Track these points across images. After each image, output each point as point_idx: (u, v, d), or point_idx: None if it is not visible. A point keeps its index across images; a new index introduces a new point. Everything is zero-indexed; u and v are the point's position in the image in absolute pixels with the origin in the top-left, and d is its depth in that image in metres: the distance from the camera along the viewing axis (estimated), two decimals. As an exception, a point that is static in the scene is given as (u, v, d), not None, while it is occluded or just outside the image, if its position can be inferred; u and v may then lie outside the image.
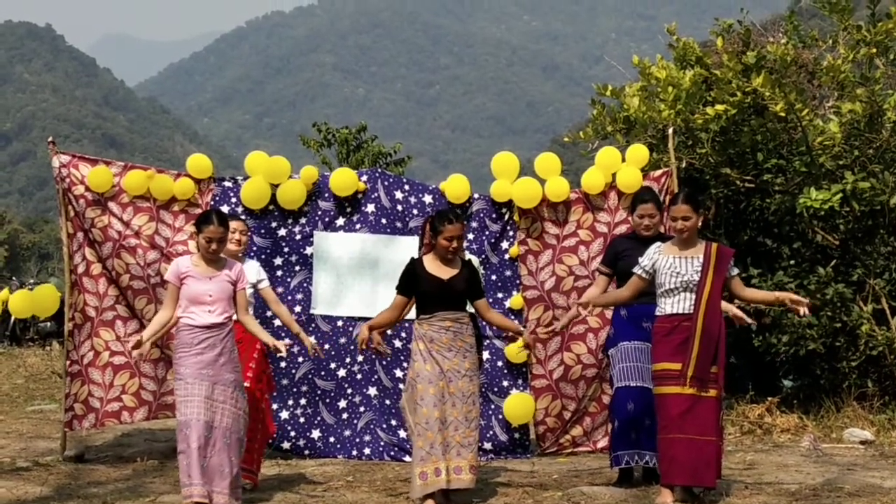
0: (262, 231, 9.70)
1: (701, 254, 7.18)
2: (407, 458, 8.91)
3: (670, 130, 9.94)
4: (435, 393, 7.27)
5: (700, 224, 7.34)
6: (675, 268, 7.14)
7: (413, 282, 7.45)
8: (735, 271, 7.29)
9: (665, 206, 8.08)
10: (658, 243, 7.42)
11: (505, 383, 9.66)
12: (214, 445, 6.96)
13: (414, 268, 7.49)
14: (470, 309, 7.62)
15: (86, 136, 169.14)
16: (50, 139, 9.80)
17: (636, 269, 7.35)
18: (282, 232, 9.73)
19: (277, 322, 9.51)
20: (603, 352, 9.05)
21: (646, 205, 8.02)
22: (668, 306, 7.17)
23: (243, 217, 9.46)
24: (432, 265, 7.46)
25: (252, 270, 7.94)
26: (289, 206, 9.69)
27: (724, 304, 7.52)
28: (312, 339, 7.61)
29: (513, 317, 9.60)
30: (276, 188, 9.64)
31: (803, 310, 7.16)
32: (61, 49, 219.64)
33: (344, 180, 9.72)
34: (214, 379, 7.01)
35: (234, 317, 7.25)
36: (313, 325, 9.63)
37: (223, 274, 7.18)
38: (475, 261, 8.27)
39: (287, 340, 7.59)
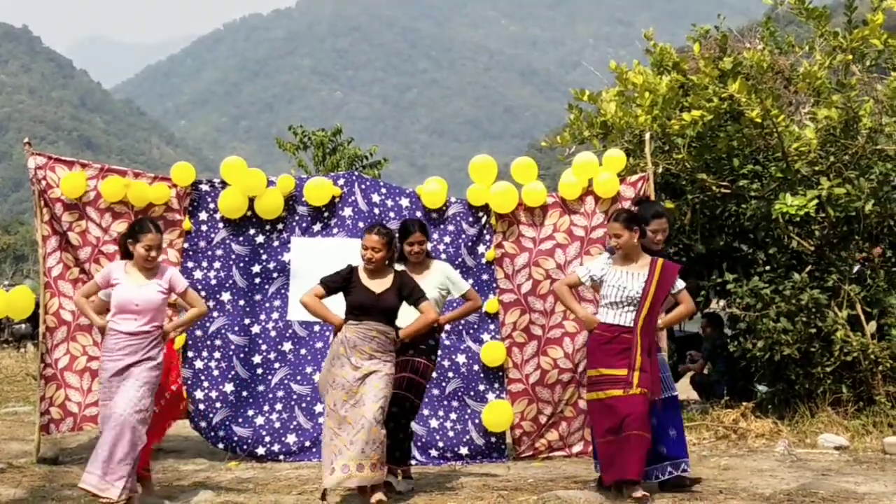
0: (241, 238, 9.68)
1: (646, 269, 7.48)
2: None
3: (647, 136, 9.96)
4: (346, 398, 7.32)
5: (636, 240, 7.50)
6: (621, 281, 7.45)
7: (345, 288, 7.55)
8: (680, 285, 7.56)
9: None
10: (607, 255, 7.70)
11: (481, 387, 9.65)
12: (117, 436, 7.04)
13: (351, 275, 7.59)
14: (399, 322, 7.65)
15: (62, 138, 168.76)
16: (26, 140, 9.74)
17: (581, 273, 7.63)
18: (260, 239, 9.72)
19: (256, 329, 9.51)
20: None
21: (661, 219, 8.04)
22: (609, 317, 7.48)
23: (220, 224, 9.48)
24: (366, 278, 7.58)
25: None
26: (267, 216, 9.69)
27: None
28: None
29: (489, 320, 9.62)
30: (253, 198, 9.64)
31: None
32: (38, 50, 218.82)
33: (318, 191, 9.72)
34: (128, 375, 7.12)
35: (161, 325, 7.33)
36: (290, 330, 9.61)
37: (153, 283, 7.31)
38: (446, 267, 8.28)
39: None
